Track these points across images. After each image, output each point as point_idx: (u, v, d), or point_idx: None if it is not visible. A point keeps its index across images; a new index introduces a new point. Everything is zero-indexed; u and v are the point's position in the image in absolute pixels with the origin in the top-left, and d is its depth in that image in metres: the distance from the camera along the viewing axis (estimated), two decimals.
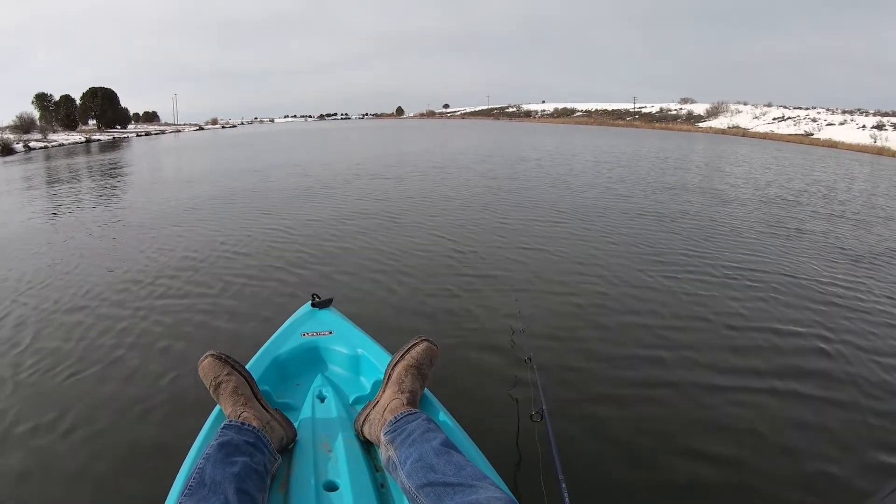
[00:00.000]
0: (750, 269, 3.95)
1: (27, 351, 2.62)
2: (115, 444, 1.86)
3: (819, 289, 3.59)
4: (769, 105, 41.50)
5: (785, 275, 3.85)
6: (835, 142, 25.41)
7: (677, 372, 2.46)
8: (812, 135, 29.45)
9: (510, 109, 73.86)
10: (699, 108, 47.34)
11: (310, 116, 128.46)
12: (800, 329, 2.92)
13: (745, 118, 39.55)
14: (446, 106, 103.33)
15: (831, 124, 31.22)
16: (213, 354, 1.27)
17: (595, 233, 5.16)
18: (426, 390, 1.32)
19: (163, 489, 1.05)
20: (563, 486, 1.13)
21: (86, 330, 2.84)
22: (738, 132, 34.56)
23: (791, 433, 2.00)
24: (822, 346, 2.72)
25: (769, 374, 2.42)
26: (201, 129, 58.51)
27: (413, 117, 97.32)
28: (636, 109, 55.58)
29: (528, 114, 67.79)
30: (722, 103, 44.66)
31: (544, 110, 67.18)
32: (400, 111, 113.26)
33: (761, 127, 35.00)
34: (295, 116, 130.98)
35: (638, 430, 2.03)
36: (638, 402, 2.22)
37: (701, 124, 41.32)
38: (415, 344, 1.29)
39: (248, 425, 1.10)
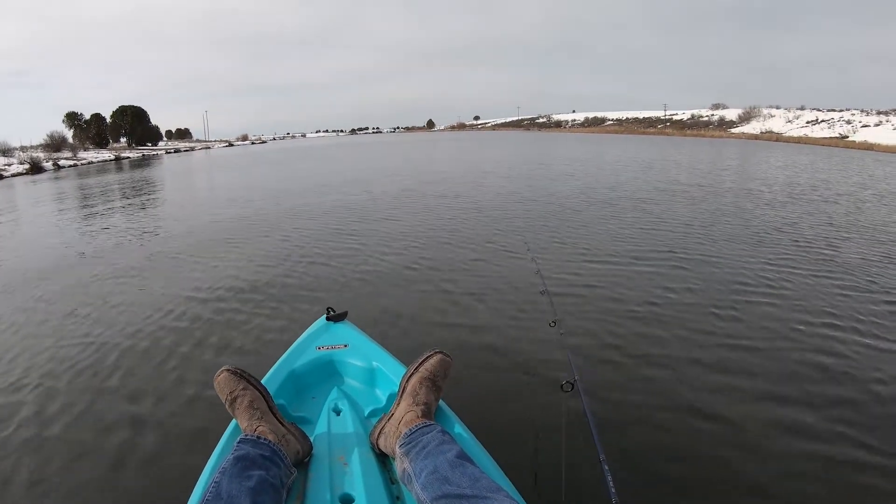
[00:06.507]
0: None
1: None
2: (132, 459, 1.90)
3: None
4: (802, 108, 41.25)
5: None
6: (871, 144, 25.01)
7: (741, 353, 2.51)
8: (847, 137, 29.16)
9: (540, 120, 75.37)
10: (731, 114, 47.43)
11: (341, 131, 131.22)
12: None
13: (777, 122, 39.59)
14: (476, 118, 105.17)
15: (866, 126, 31.03)
16: (229, 369, 1.28)
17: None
18: (441, 402, 1.33)
19: (179, 503, 1.05)
20: (606, 466, 1.08)
21: (111, 347, 2.92)
22: (771, 137, 34.44)
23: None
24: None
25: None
26: (231, 145, 57.15)
27: (444, 130, 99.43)
28: (667, 117, 56.08)
29: (558, 124, 68.91)
30: (754, 108, 44.68)
31: (574, 120, 68.27)
32: (431, 124, 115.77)
33: (794, 131, 34.92)
34: (326, 131, 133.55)
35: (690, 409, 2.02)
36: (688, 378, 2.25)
37: (733, 130, 41.29)
38: (429, 356, 1.31)
39: (264, 439, 1.12)
